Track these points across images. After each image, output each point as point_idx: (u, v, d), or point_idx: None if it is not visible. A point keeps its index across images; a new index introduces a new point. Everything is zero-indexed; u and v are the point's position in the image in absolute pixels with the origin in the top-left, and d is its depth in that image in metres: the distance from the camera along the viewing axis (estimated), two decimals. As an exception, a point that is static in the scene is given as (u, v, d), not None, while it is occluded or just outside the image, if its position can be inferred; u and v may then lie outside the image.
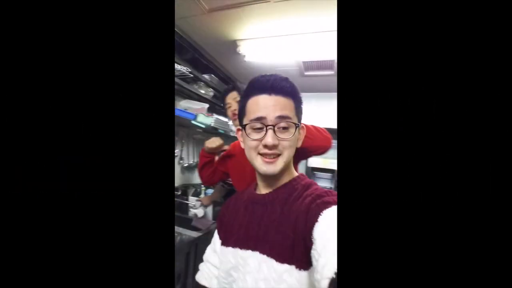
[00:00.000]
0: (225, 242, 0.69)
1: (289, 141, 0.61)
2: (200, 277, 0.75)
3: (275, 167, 0.61)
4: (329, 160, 3.19)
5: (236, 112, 1.36)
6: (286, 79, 0.63)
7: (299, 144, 0.65)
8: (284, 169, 0.64)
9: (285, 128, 0.60)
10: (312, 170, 3.13)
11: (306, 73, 2.40)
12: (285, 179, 0.67)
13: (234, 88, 1.37)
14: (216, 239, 0.76)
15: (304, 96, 0.66)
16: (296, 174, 0.69)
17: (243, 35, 1.90)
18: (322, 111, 2.62)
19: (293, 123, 0.61)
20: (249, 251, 0.61)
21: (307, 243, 0.52)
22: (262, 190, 0.69)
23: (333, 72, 2.31)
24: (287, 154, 0.61)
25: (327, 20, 1.61)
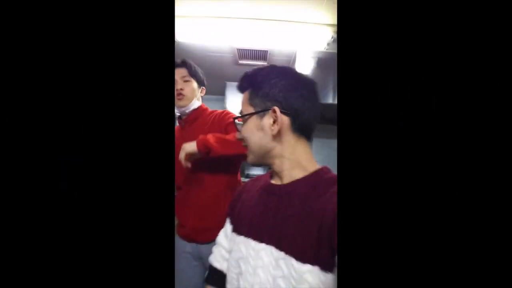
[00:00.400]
0: (237, 229, 0.67)
1: (245, 132, 0.63)
2: (212, 259, 0.75)
3: (247, 158, 0.65)
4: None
5: (182, 92, 1.13)
6: (245, 74, 0.64)
7: (273, 131, 0.59)
8: (267, 158, 0.63)
9: (240, 122, 0.64)
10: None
11: (241, 61, 2.36)
12: (296, 171, 0.61)
13: (184, 64, 1.16)
14: (227, 223, 0.74)
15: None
16: (317, 166, 0.62)
17: (175, 11, 1.77)
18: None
19: (243, 115, 0.62)
20: (263, 244, 0.57)
21: (333, 245, 0.49)
22: (277, 180, 0.65)
23: (266, 64, 2.37)
24: (250, 143, 0.62)
25: (265, 9, 1.63)
